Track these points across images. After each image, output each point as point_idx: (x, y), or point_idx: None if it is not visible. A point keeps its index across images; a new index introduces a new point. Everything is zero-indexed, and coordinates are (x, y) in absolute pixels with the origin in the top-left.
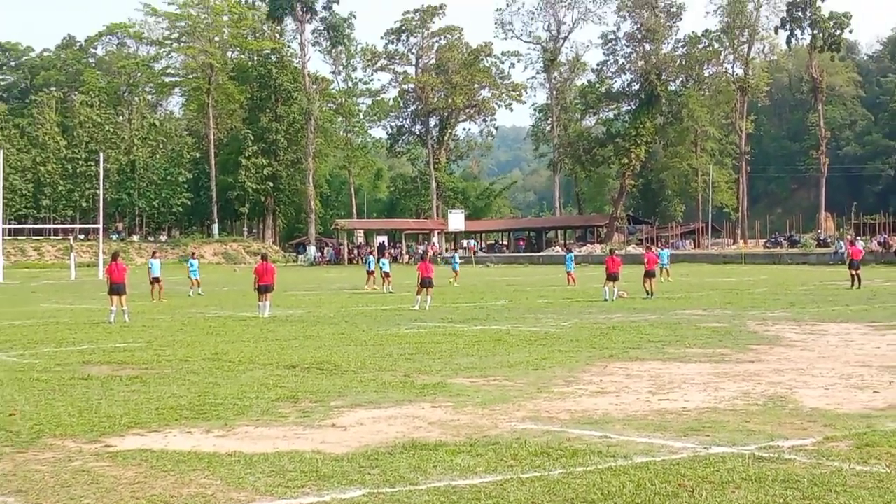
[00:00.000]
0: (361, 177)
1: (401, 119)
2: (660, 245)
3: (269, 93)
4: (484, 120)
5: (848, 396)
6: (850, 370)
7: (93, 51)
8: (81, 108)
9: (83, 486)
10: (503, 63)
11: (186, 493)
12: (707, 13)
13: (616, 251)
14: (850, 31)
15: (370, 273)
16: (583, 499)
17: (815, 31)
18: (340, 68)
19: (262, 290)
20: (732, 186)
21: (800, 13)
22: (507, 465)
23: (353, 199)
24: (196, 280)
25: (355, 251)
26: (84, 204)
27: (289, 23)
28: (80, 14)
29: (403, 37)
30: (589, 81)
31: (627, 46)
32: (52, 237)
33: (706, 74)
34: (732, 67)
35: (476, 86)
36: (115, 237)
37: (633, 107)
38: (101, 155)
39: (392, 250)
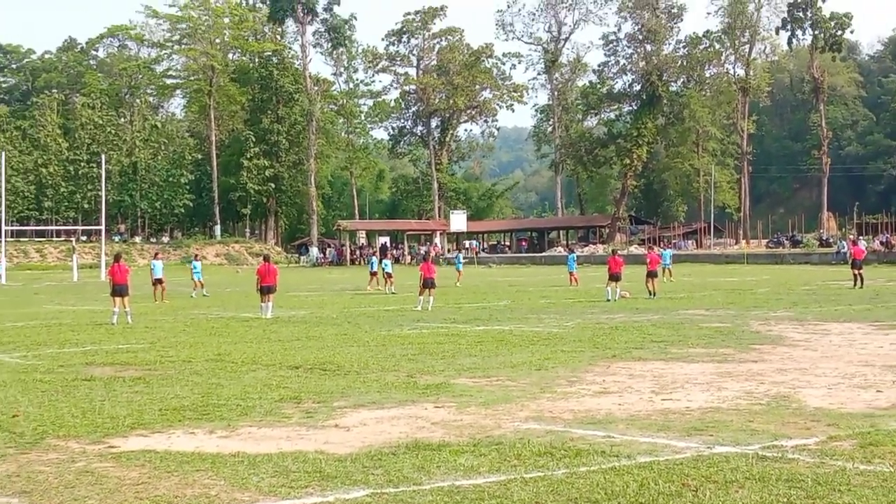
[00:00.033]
0: (363, 178)
1: (402, 120)
2: (662, 245)
3: (270, 94)
4: (485, 121)
5: (851, 396)
6: (853, 370)
7: (94, 53)
8: (83, 110)
9: (87, 486)
10: (504, 64)
11: (190, 494)
12: (708, 14)
13: (618, 251)
14: (852, 32)
15: (373, 274)
16: (586, 498)
17: (816, 32)
18: (342, 70)
19: (265, 291)
20: (734, 186)
21: (801, 13)
22: (510, 465)
23: (354, 200)
24: (199, 281)
25: (357, 252)
26: (86, 205)
27: (290, 24)
28: (82, 16)
29: (404, 38)
30: (590, 82)
31: (628, 47)
32: (54, 239)
33: (707, 75)
34: (734, 68)
35: (477, 87)
36: (117, 239)
37: (635, 107)
38: (103, 157)
39: (394, 251)
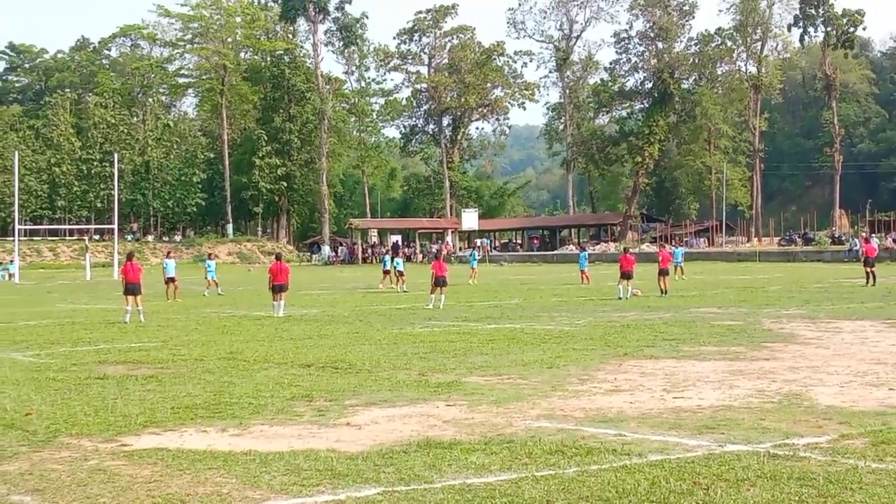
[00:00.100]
0: (375, 176)
1: (414, 118)
2: (674, 243)
3: (282, 93)
4: (497, 119)
5: (863, 394)
6: (865, 367)
7: (107, 52)
8: (96, 110)
9: (99, 485)
10: (516, 62)
11: (202, 492)
12: (720, 11)
13: (630, 249)
14: (864, 29)
15: (386, 272)
16: (597, 497)
17: (829, 29)
18: (353, 68)
19: (277, 289)
20: (746, 184)
21: (813, 10)
22: (521, 463)
23: (366, 198)
24: (214, 280)
25: (369, 250)
26: (99, 204)
27: (301, 23)
28: (94, 16)
29: (416, 37)
30: (602, 80)
31: (640, 45)
32: (67, 238)
33: (719, 72)
34: (745, 65)
35: (489, 85)
36: (129, 237)
37: (647, 105)
38: (116, 156)
39: (406, 249)
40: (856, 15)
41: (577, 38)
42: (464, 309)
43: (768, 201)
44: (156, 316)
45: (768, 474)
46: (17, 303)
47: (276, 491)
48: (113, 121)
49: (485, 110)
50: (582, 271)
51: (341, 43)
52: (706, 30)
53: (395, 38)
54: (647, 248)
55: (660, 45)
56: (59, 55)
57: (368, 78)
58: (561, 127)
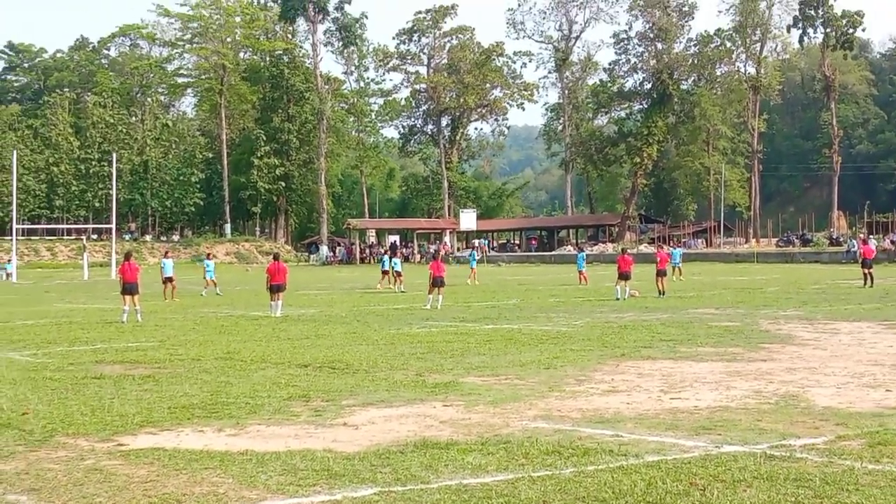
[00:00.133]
0: (373, 176)
1: (413, 119)
2: (672, 244)
3: (281, 93)
4: (496, 119)
5: (860, 395)
6: (862, 369)
7: (106, 52)
8: (94, 109)
9: (96, 484)
10: (515, 63)
11: (198, 492)
12: (719, 12)
13: (628, 250)
14: (863, 30)
15: (385, 272)
16: (594, 497)
17: (828, 30)
18: (352, 68)
19: (275, 289)
20: (745, 185)
21: (812, 12)
22: (518, 463)
23: (365, 198)
24: (212, 280)
25: (367, 251)
26: (97, 204)
27: (301, 23)
28: (93, 15)
29: (415, 37)
30: (601, 81)
31: (639, 45)
32: (65, 237)
33: (718, 73)
34: (745, 66)
35: (488, 85)
36: (127, 237)
37: (645, 106)
38: (114, 155)
39: (404, 250)
40: (855, 16)
41: (577, 38)
42: (461, 309)
43: (766, 202)
44: (153, 316)
45: (765, 475)
46: (15, 302)
47: (272, 491)
48: (111, 120)
49: (484, 111)
50: (580, 272)
51: (340, 43)
52: (705, 31)
53: (394, 38)
54: (645, 248)
55: (659, 45)
56: (58, 55)
57: (367, 78)
58: (560, 127)
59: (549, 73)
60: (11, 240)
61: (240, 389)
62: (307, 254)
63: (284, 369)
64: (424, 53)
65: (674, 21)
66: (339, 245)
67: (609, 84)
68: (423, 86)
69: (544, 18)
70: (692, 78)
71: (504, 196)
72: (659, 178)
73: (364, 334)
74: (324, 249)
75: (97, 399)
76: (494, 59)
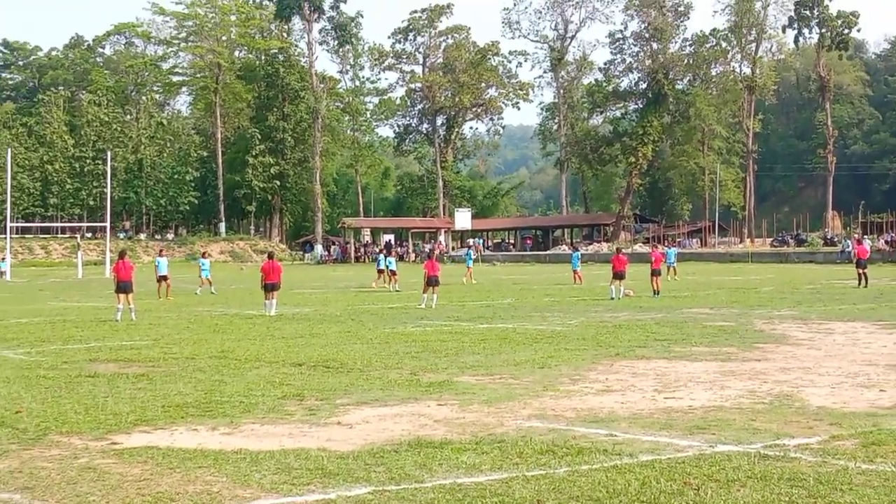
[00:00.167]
0: (368, 175)
1: (408, 118)
2: (667, 244)
3: (276, 92)
4: (491, 119)
5: (854, 395)
6: (856, 369)
7: (101, 50)
8: (89, 107)
9: (89, 483)
10: (510, 62)
11: (192, 491)
12: (715, 12)
13: (622, 250)
14: (858, 30)
15: (380, 271)
16: (588, 497)
17: (823, 30)
18: (348, 67)
19: (269, 288)
20: (739, 185)
21: (807, 12)
22: (512, 462)
23: (359, 197)
24: (208, 279)
25: (362, 250)
26: (91, 202)
27: (296, 22)
28: (88, 14)
29: (411, 36)
30: (596, 80)
31: (635, 45)
32: (59, 235)
33: (713, 73)
34: (740, 66)
35: (483, 85)
36: (122, 235)
37: (641, 106)
38: (109, 154)
39: (399, 249)
40: (850, 17)
41: (572, 38)
42: (456, 308)
43: (761, 202)
44: (147, 314)
45: (759, 475)
46: (9, 300)
47: (266, 490)
48: (106, 118)
49: (479, 110)
50: (574, 271)
51: (336, 42)
52: (701, 31)
53: (389, 37)
54: (639, 248)
55: (654, 45)
56: (53, 53)
57: (363, 77)
58: (555, 127)
59: (545, 72)
60: (6, 238)
61: (234, 388)
62: (302, 252)
63: (279, 368)
64: (420, 52)
65: (669, 21)
66: (333, 244)
67: (604, 84)
68: (419, 85)
69: (540, 18)
70: (687, 78)
71: (499, 195)
72: (654, 178)
73: (358, 333)
74: (318, 248)
75: (91, 397)
76: (490, 59)
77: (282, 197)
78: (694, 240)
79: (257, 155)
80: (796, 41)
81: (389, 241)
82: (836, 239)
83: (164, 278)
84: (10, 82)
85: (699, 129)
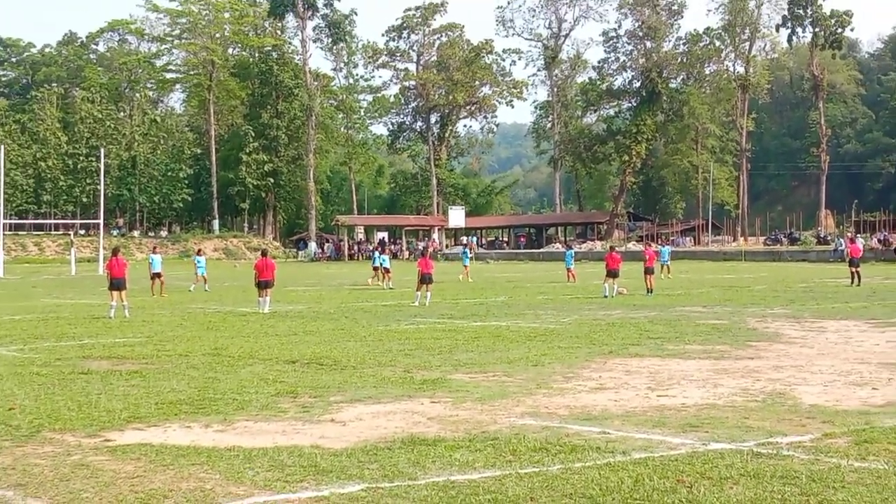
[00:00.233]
0: (362, 173)
1: (402, 116)
2: (660, 242)
3: (270, 89)
4: (485, 117)
5: (847, 393)
6: (848, 367)
7: (94, 47)
8: (82, 104)
9: (82, 479)
10: (504, 60)
11: (185, 488)
12: (708, 11)
13: (616, 248)
14: (852, 29)
15: (376, 269)
16: (581, 494)
17: (817, 29)
18: (342, 65)
19: (263, 285)
20: (733, 184)
21: (801, 11)
22: (505, 460)
23: (353, 195)
24: (203, 276)
25: (356, 247)
26: (85, 199)
27: (290, 19)
28: (82, 10)
29: (405, 34)
30: (590, 79)
31: (629, 44)
32: (52, 232)
33: (707, 72)
34: (733, 65)
35: (477, 83)
36: (115, 233)
37: (634, 104)
38: (102, 151)
39: (392, 246)
40: (844, 16)
41: (566, 36)
42: (450, 306)
43: (754, 201)
44: (141, 311)
45: (751, 473)
46: (2, 297)
47: (259, 487)
48: (100, 115)
49: (473, 108)
50: (568, 269)
51: (330, 39)
52: (695, 29)
53: (383, 34)
54: (633, 246)
55: (648, 44)
56: (47, 49)
57: (356, 75)
58: (549, 125)
59: (539, 70)
60: None
61: (227, 385)
62: (295, 250)
63: (272, 365)
64: (414, 50)
65: (663, 20)
66: (327, 241)
67: (598, 82)
68: (413, 83)
69: (534, 16)
70: (681, 76)
71: (493, 193)
72: (647, 177)
73: (352, 331)
74: (312, 246)
75: (84, 394)
76: (484, 57)
77: (275, 194)
78: (687, 238)
79: (251, 152)
80: (790, 40)
81: (383, 238)
82: (828, 237)
83: (158, 275)
84: (3, 79)
85: (693, 127)
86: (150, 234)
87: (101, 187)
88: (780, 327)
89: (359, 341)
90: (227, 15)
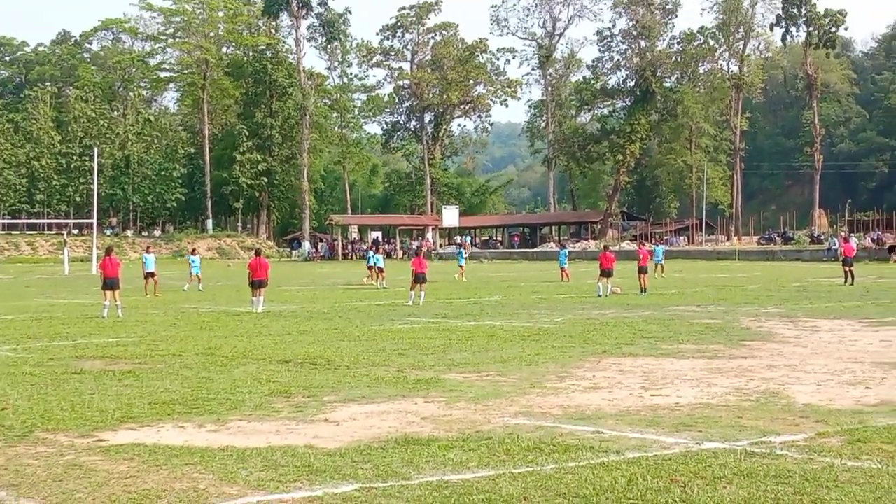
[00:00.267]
0: (356, 172)
1: (396, 115)
2: (654, 241)
3: (264, 88)
4: (479, 116)
5: (840, 392)
6: (842, 366)
7: (88, 46)
8: (76, 104)
9: (75, 480)
10: (498, 59)
11: (178, 488)
12: (703, 10)
13: (610, 247)
14: (846, 29)
15: (370, 268)
16: (575, 494)
17: (811, 28)
18: (336, 64)
19: (256, 285)
20: (727, 183)
21: (795, 10)
22: (499, 459)
23: (347, 194)
24: (197, 276)
25: (349, 247)
26: (78, 199)
27: (284, 18)
28: (76, 9)
29: (399, 33)
30: (584, 78)
31: (623, 43)
32: (45, 232)
33: (701, 71)
34: (727, 64)
35: (471, 82)
36: (108, 232)
37: (628, 103)
38: (96, 150)
39: (386, 246)
40: (838, 15)
41: (560, 35)
42: (443, 306)
43: (748, 200)
44: (134, 311)
45: (745, 472)
46: None
47: (253, 487)
48: (93, 115)
49: (467, 107)
50: (562, 269)
51: (324, 38)
52: (689, 28)
53: (377, 34)
54: (627, 246)
55: (642, 43)
56: (40, 48)
57: (351, 74)
58: (543, 124)
59: (533, 69)
60: None
61: (221, 385)
62: (289, 249)
63: (266, 365)
64: (408, 49)
65: (657, 19)
66: (321, 241)
67: (592, 81)
68: (407, 82)
69: (528, 15)
70: (675, 76)
71: (487, 193)
72: (641, 176)
73: (346, 330)
74: (306, 245)
75: (77, 394)
76: (478, 56)
77: (269, 194)
78: (681, 237)
79: (245, 152)
80: (784, 39)
81: (377, 238)
82: (822, 237)
83: (152, 275)
84: None
85: (687, 126)
86: (143, 233)
87: (95, 186)
88: (774, 327)
89: (353, 341)
90: (221, 14)
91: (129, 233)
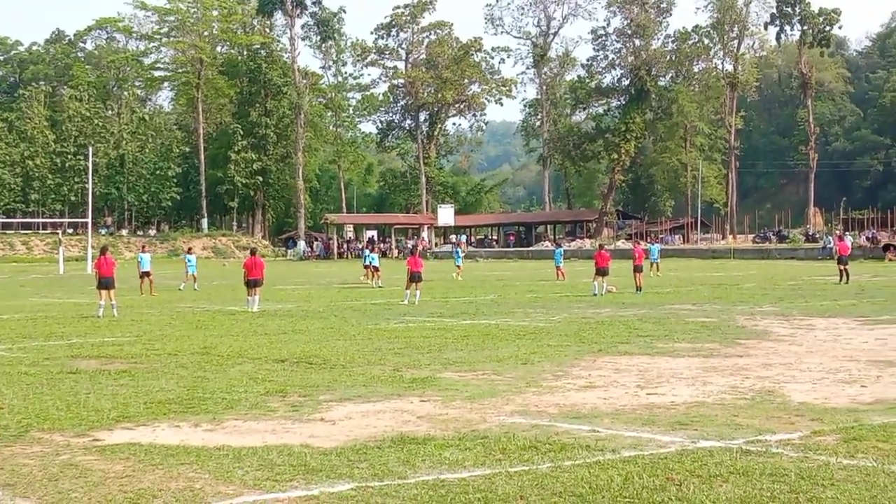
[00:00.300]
0: (351, 171)
1: (391, 114)
2: (649, 240)
3: (258, 87)
4: (474, 115)
5: (835, 391)
6: (837, 364)
7: (82, 45)
8: (70, 103)
9: (71, 479)
10: (493, 58)
11: (174, 487)
12: (697, 9)
13: (605, 246)
14: (840, 27)
15: (366, 267)
16: (571, 492)
17: (805, 27)
18: (330, 63)
19: (252, 284)
20: (721, 182)
21: (789, 9)
22: (495, 458)
23: (342, 193)
24: (193, 275)
25: (345, 246)
26: (73, 198)
27: (278, 17)
28: (70, 8)
29: (393, 32)
30: (579, 77)
31: (617, 42)
32: (40, 231)
33: (696, 70)
34: (722, 63)
35: (466, 81)
36: (103, 231)
37: (623, 102)
38: (90, 149)
39: (381, 245)
40: (832, 14)
41: (555, 34)
42: (439, 305)
43: (743, 199)
44: (129, 310)
45: (741, 470)
46: None
47: (249, 486)
48: (88, 114)
49: (462, 106)
50: (557, 268)
51: (318, 37)
52: (683, 27)
53: (372, 32)
54: (622, 244)
55: (637, 42)
56: (34, 47)
57: (345, 73)
58: (538, 123)
59: (527, 68)
60: None
61: (216, 384)
62: (284, 249)
63: (261, 364)
64: (402, 48)
65: (652, 18)
66: (316, 240)
67: (587, 80)
68: (401, 81)
69: (522, 14)
70: (670, 74)
71: (482, 192)
72: (636, 175)
73: (341, 329)
74: (301, 244)
75: (73, 394)
76: (472, 55)
77: (264, 193)
78: (676, 236)
79: (240, 151)
80: (778, 38)
81: (372, 237)
82: (817, 235)
83: (147, 274)
84: None
85: (681, 125)
86: (138, 232)
87: (90, 186)
88: (769, 325)
89: (348, 340)
90: (215, 13)
91: (125, 232)
